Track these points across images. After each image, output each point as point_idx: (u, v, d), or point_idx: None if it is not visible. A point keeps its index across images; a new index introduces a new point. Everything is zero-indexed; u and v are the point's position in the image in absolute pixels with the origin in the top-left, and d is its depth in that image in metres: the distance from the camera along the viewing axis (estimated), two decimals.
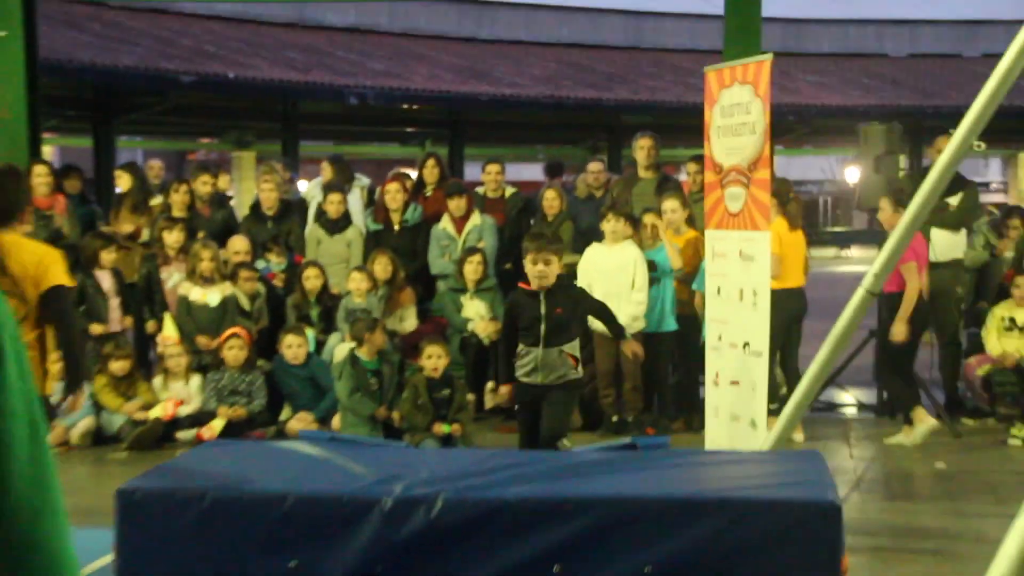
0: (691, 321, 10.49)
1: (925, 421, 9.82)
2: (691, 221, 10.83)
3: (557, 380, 7.60)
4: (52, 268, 5.94)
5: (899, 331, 9.87)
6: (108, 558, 4.87)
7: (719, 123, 8.34)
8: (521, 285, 7.92)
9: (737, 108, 8.12)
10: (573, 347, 7.74)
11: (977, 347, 11.22)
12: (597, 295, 10.40)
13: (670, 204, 10.77)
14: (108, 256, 10.89)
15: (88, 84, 19.72)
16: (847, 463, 9.46)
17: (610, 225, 10.38)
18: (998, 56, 6.82)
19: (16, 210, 6.11)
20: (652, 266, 10.37)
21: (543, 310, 7.53)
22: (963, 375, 11.26)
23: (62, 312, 6.04)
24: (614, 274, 10.29)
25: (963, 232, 11.33)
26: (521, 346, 7.77)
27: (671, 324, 10.50)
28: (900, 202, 10.02)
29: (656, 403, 10.87)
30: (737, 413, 8.02)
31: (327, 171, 12.95)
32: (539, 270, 7.50)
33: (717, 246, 8.42)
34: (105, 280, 10.82)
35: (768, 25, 11.32)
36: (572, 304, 7.74)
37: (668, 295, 10.51)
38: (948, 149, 7.10)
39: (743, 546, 4.42)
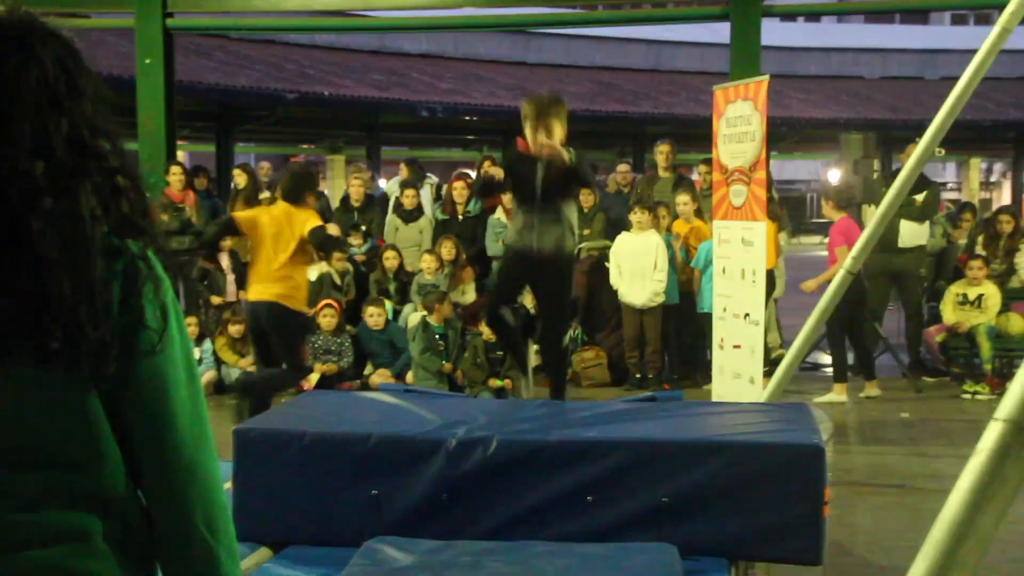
0: (691, 296, 10.52)
1: (839, 393, 10.01)
2: (699, 213, 10.81)
3: (551, 246, 6.44)
4: (311, 220, 7.45)
5: (808, 286, 10.15)
6: (227, 485, 4.89)
7: (725, 132, 8.31)
8: (520, 147, 6.76)
9: (740, 119, 8.10)
10: (571, 211, 6.67)
11: (936, 318, 11.18)
12: (625, 275, 10.41)
13: (683, 198, 10.80)
14: (226, 242, 10.94)
15: (213, 101, 19.81)
16: (828, 413, 9.40)
17: (636, 216, 10.39)
18: (954, 79, 6.74)
19: (301, 194, 7.65)
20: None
21: (540, 174, 6.44)
22: (924, 341, 11.21)
23: (323, 237, 7.59)
24: (640, 257, 10.31)
25: (927, 223, 11.25)
26: (514, 206, 6.75)
27: (675, 298, 10.50)
28: (839, 204, 10.16)
29: (666, 363, 10.85)
30: (738, 372, 7.99)
31: (404, 171, 12.98)
32: (541, 140, 6.40)
33: (723, 234, 8.39)
34: (224, 260, 10.89)
35: (765, 52, 11.20)
36: (565, 176, 6.55)
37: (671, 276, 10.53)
38: (914, 155, 7.03)
39: (744, 480, 4.39)
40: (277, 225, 7.47)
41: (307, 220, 7.46)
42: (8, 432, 1.54)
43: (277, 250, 7.43)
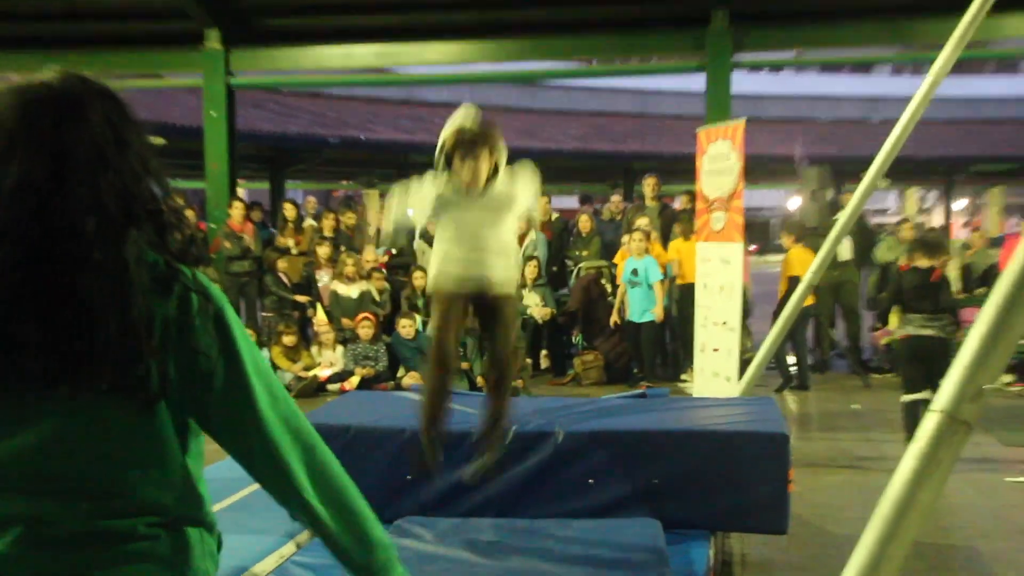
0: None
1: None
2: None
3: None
4: None
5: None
6: None
7: (707, 167, 8.33)
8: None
9: (720, 156, 8.11)
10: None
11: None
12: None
13: (641, 221, 10.76)
14: (281, 263, 10.99)
15: (266, 146, 19.87)
16: (791, 405, 9.40)
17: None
18: (894, 121, 6.78)
19: None
20: (636, 273, 10.32)
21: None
22: (871, 344, 11.19)
23: None
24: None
25: (850, 238, 11.23)
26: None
27: (650, 316, 10.43)
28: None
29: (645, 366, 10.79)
30: (717, 371, 7.99)
31: None
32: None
33: (705, 254, 8.40)
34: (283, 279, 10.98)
35: (735, 99, 11.23)
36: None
37: (650, 296, 10.46)
38: (861, 185, 7.05)
39: (722, 464, 4.42)
40: None
41: None
42: (70, 459, 1.52)
43: None
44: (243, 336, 1.63)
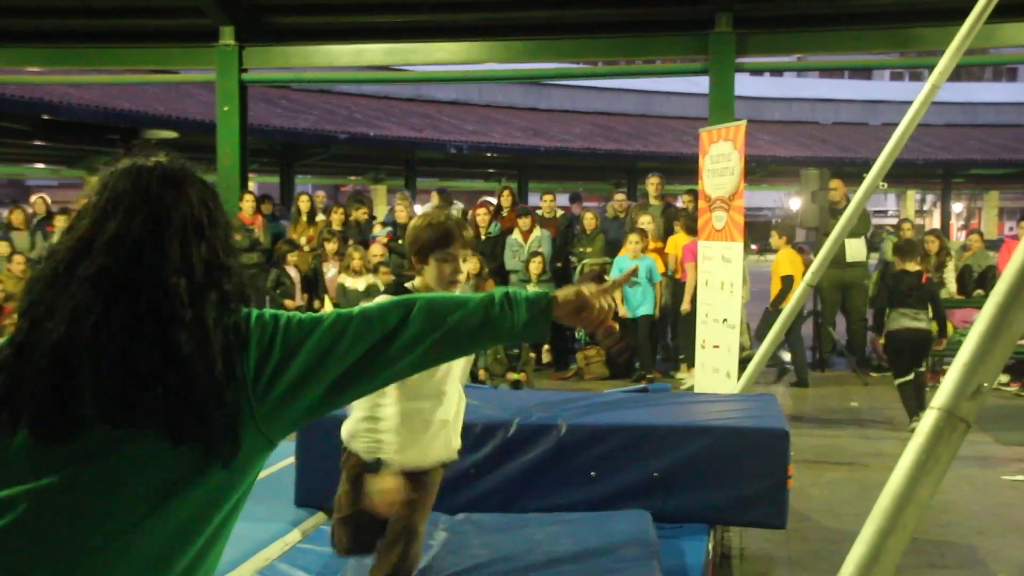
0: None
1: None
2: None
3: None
4: None
5: (686, 307, 9.97)
6: (290, 460, 4.92)
7: (709, 167, 8.30)
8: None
9: (722, 157, 8.08)
10: None
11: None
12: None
13: (644, 219, 10.73)
14: (292, 256, 10.98)
15: (277, 141, 19.90)
16: (791, 402, 9.39)
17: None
18: (894, 125, 6.76)
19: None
20: (635, 271, 10.29)
21: None
22: (871, 344, 11.17)
23: None
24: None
25: (863, 239, 11.22)
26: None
27: (644, 311, 10.42)
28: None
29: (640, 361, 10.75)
30: (717, 367, 7.97)
31: (435, 199, 12.98)
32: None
33: (706, 252, 8.38)
34: (292, 272, 10.95)
35: (737, 101, 11.21)
36: None
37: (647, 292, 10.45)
38: (861, 187, 7.04)
39: (722, 458, 4.41)
40: None
41: None
42: (132, 505, 1.51)
43: None
44: (299, 317, 1.70)
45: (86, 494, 1.50)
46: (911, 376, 8.18)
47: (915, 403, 8.06)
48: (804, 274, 10.10)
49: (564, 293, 1.81)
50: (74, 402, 1.50)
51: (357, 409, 3.16)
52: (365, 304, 1.79)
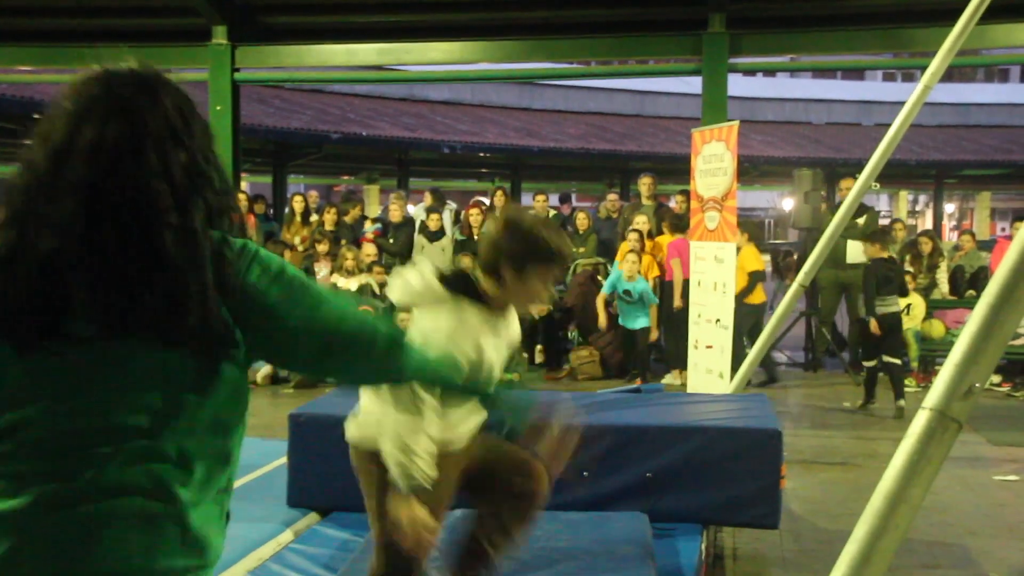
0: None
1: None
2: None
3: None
4: None
5: (678, 303, 9.92)
6: (283, 460, 4.92)
7: (702, 167, 8.31)
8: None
9: (714, 157, 8.09)
10: None
11: None
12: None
13: (640, 219, 10.72)
14: (286, 256, 10.97)
15: (270, 140, 19.86)
16: (783, 402, 9.40)
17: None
18: (887, 125, 6.77)
19: None
20: (629, 294, 10.26)
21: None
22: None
23: None
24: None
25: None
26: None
27: (643, 323, 10.37)
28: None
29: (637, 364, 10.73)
30: (710, 368, 7.98)
31: (428, 199, 12.98)
32: None
33: (699, 252, 8.38)
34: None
35: (731, 101, 11.23)
36: None
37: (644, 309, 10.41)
38: (854, 188, 7.05)
39: (715, 458, 4.41)
40: None
41: None
42: (103, 410, 1.52)
43: None
44: (282, 265, 1.69)
45: (94, 413, 1.52)
46: (875, 362, 8.92)
47: (870, 391, 8.91)
48: (761, 270, 10.32)
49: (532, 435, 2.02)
50: (67, 314, 1.50)
51: (388, 441, 2.77)
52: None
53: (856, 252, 10.88)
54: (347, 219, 12.11)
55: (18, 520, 1.48)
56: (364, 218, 12.82)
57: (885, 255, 9.01)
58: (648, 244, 10.74)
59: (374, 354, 1.81)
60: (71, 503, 1.49)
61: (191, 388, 1.56)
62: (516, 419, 1.95)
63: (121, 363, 1.53)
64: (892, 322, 8.84)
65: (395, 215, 12.02)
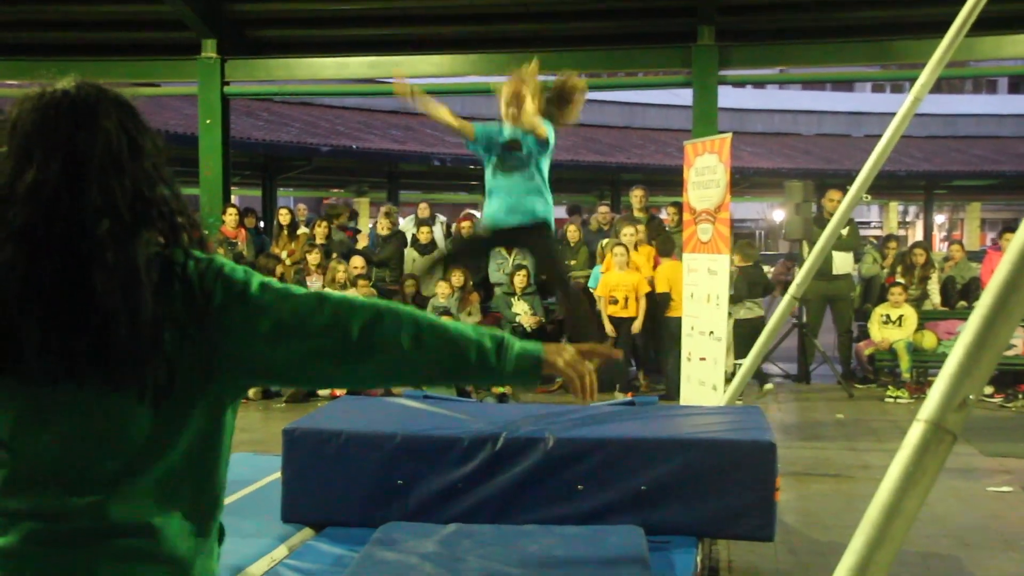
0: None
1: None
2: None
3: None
4: None
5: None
6: (276, 475, 4.91)
7: (694, 179, 8.33)
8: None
9: (707, 169, 8.11)
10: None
11: (865, 335, 11.18)
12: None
13: (627, 230, 10.73)
14: (278, 270, 10.96)
15: (259, 154, 19.85)
16: (776, 414, 9.41)
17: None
18: (877, 137, 6.80)
19: None
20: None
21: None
22: (855, 354, 11.22)
23: None
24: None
25: (851, 253, 11.30)
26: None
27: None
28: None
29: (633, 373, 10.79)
30: (703, 380, 7.99)
31: (422, 211, 13.00)
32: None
33: (691, 264, 8.40)
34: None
35: (720, 112, 11.28)
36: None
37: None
38: (846, 199, 7.08)
39: (709, 471, 4.41)
40: None
41: None
42: (78, 451, 1.52)
43: None
44: (254, 277, 1.65)
45: (70, 454, 1.52)
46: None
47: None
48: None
49: (550, 357, 1.85)
50: (18, 359, 1.48)
51: None
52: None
53: (842, 263, 10.94)
54: (336, 224, 12.15)
55: (11, 555, 1.50)
56: (347, 227, 12.84)
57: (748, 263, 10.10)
58: (634, 255, 10.75)
59: (358, 338, 1.67)
60: (61, 543, 1.50)
61: (150, 431, 1.54)
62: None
63: (83, 405, 1.52)
64: (760, 325, 9.31)
65: (383, 228, 12.03)
